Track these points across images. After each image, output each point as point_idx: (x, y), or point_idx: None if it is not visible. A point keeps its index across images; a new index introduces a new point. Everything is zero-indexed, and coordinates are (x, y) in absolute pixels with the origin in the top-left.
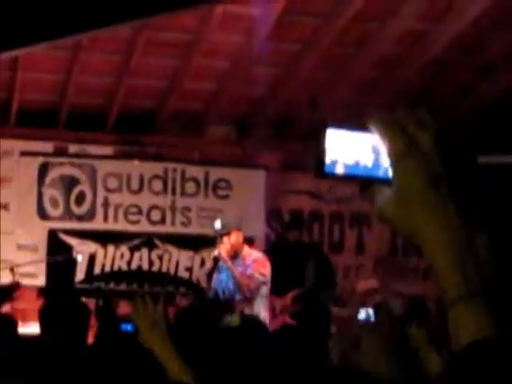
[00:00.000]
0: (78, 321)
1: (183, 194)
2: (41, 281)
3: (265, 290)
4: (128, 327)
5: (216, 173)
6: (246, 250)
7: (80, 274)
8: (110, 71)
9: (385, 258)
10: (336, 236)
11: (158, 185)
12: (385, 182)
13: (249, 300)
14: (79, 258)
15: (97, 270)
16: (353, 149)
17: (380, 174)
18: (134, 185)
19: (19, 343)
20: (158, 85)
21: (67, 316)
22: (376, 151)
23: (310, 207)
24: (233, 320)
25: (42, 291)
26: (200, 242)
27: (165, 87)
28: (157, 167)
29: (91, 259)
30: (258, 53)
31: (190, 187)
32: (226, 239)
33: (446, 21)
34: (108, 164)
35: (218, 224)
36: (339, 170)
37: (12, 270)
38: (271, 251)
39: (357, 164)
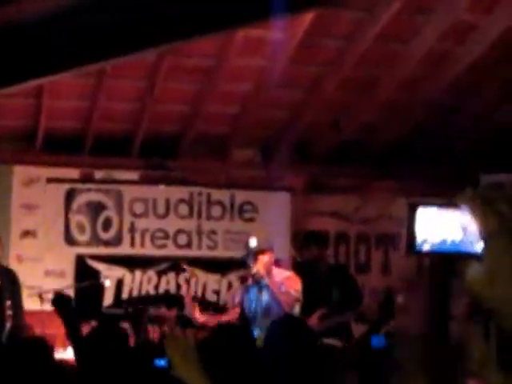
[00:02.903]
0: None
1: (209, 217)
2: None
3: (297, 308)
4: (161, 362)
5: (241, 196)
6: (275, 270)
7: (108, 299)
8: (135, 97)
9: (412, 278)
10: (362, 257)
11: (183, 209)
12: (473, 256)
13: None
14: (107, 283)
15: (124, 295)
16: (442, 225)
17: (468, 249)
18: (160, 209)
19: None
20: (182, 109)
21: (107, 342)
22: (464, 227)
23: (335, 228)
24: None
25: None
26: (227, 265)
27: (189, 112)
28: (182, 191)
29: (119, 284)
30: (281, 76)
31: (216, 211)
32: (261, 258)
33: (469, 41)
34: (134, 189)
35: (253, 242)
36: (428, 247)
37: (41, 296)
38: (297, 272)
39: (445, 240)
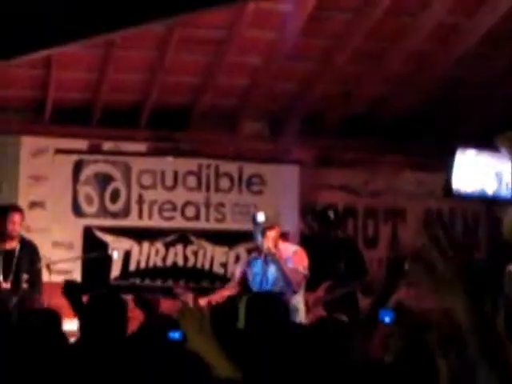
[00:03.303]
0: (117, 316)
1: (217, 189)
2: (76, 277)
3: (303, 283)
4: (176, 335)
5: (250, 168)
6: (281, 244)
7: (115, 271)
8: (144, 68)
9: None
10: (370, 231)
11: (192, 181)
12: (508, 202)
13: (294, 293)
14: (115, 254)
15: (132, 267)
16: (479, 169)
17: (504, 194)
18: (169, 181)
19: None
20: (192, 81)
21: (106, 311)
22: (500, 173)
23: (343, 202)
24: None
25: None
26: (234, 238)
27: (198, 84)
28: (191, 163)
29: (126, 256)
30: (291, 48)
31: (224, 183)
32: (269, 233)
33: (479, 14)
34: (142, 161)
35: (261, 217)
36: (465, 190)
37: (48, 266)
38: (305, 245)
39: (482, 184)
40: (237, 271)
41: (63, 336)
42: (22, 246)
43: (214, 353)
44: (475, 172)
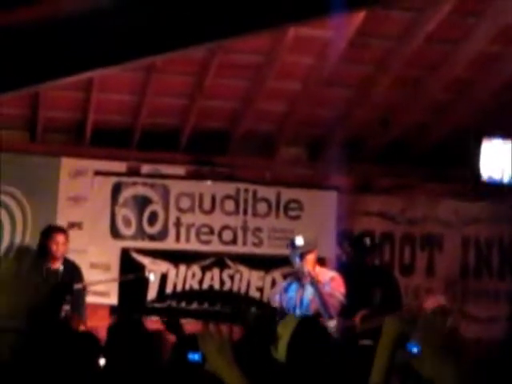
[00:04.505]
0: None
1: (255, 214)
2: (113, 299)
3: (339, 309)
4: (195, 357)
5: (287, 193)
6: (318, 269)
7: (152, 293)
8: (184, 92)
9: (456, 280)
10: (407, 258)
11: (229, 205)
12: None
13: (330, 319)
14: (151, 277)
15: (168, 289)
16: (507, 157)
17: None
18: (206, 205)
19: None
20: (231, 106)
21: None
22: None
23: (381, 229)
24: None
25: (114, 310)
26: (271, 263)
27: (237, 108)
28: (229, 187)
29: (163, 278)
30: (330, 74)
31: (262, 208)
32: (308, 257)
33: None
34: (180, 184)
35: (300, 240)
36: (493, 177)
37: (85, 288)
38: (342, 272)
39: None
40: (275, 297)
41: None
42: (65, 267)
43: (232, 375)
44: (503, 160)
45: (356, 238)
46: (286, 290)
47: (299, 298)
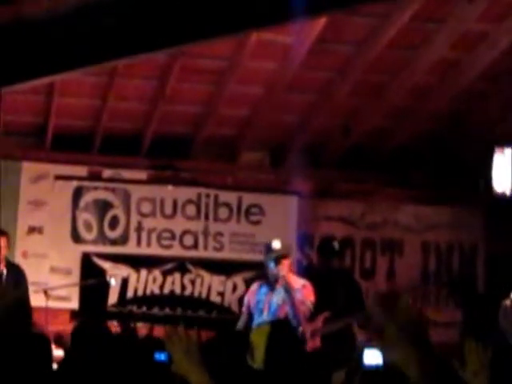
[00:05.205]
0: (105, 345)
1: (216, 219)
2: (74, 304)
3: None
4: (162, 356)
5: (249, 198)
6: (290, 275)
7: (113, 298)
8: (145, 97)
9: (416, 284)
10: (367, 262)
11: (191, 210)
12: None
13: (299, 326)
14: (112, 281)
15: (129, 294)
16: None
17: None
18: (168, 209)
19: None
20: (193, 111)
21: (95, 339)
22: None
23: (341, 233)
24: None
25: (75, 314)
26: (232, 267)
27: (199, 113)
28: (190, 192)
29: (124, 283)
30: (292, 80)
31: (223, 212)
32: (284, 262)
33: (479, 50)
34: (142, 189)
35: (277, 244)
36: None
37: (46, 292)
38: (305, 276)
39: None
40: (245, 298)
41: (50, 362)
42: (9, 270)
43: (198, 376)
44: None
45: (323, 241)
46: (255, 292)
47: (267, 302)
